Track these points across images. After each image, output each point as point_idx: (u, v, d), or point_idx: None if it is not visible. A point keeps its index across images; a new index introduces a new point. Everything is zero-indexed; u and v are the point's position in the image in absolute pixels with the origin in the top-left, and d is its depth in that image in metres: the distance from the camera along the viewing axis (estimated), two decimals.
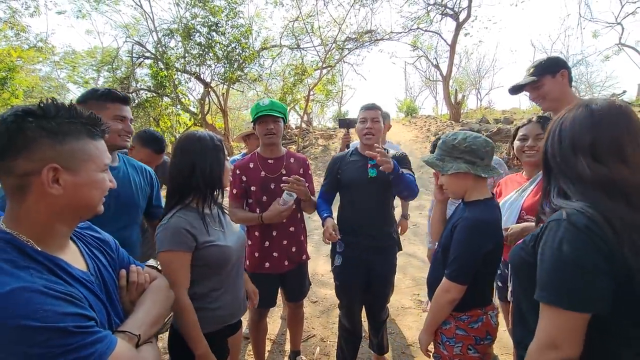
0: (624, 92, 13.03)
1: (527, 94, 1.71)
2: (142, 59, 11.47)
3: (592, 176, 0.80)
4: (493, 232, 1.26)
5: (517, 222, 1.58)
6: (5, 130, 0.66)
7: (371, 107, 1.94)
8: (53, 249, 0.72)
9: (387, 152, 1.74)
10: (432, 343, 1.46)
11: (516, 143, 1.77)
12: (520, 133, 1.75)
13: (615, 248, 0.72)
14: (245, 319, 1.95)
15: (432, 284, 1.41)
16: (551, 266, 0.78)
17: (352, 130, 2.37)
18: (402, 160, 1.95)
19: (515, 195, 1.69)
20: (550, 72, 1.60)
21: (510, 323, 1.62)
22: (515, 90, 1.73)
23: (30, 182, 0.68)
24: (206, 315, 1.21)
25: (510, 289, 1.58)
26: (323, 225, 1.87)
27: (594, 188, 0.79)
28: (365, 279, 1.95)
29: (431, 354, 1.45)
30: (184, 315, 1.14)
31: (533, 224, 1.44)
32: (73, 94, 14.82)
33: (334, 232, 1.78)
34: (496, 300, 1.82)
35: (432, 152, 1.59)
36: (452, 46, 12.86)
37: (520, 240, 0.97)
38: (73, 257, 0.78)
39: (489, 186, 1.63)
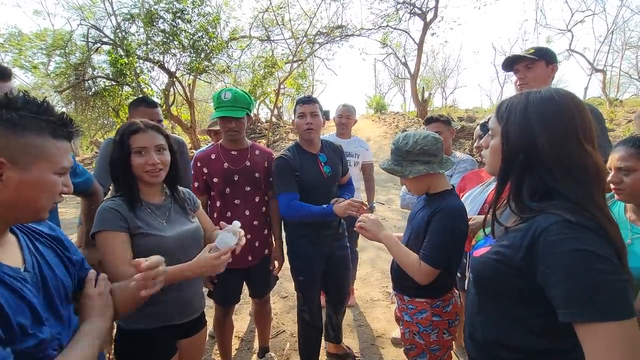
0: None
1: (513, 75, 1.76)
2: (99, 45, 10.70)
3: (582, 164, 0.74)
4: (465, 218, 1.33)
5: (478, 214, 1.64)
6: None
7: (309, 101, 1.87)
8: None
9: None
10: (401, 333, 1.49)
11: (475, 141, 1.86)
12: (475, 132, 1.85)
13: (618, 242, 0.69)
14: (210, 317, 1.88)
15: (397, 273, 1.45)
16: (577, 274, 0.66)
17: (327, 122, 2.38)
18: (344, 155, 2.07)
19: (479, 189, 1.75)
20: (546, 60, 1.67)
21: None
22: (509, 63, 1.76)
23: None
24: (143, 310, 1.09)
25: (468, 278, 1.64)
26: (337, 212, 1.69)
27: (583, 179, 0.75)
28: (325, 268, 1.97)
29: (403, 346, 1.48)
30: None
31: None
32: (19, 79, 13.54)
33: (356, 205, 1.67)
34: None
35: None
36: (420, 45, 13.22)
37: (486, 249, 0.87)
38: (4, 251, 0.72)
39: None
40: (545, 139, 0.76)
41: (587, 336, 0.66)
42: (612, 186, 1.23)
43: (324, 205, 1.75)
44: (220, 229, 1.25)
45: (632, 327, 0.64)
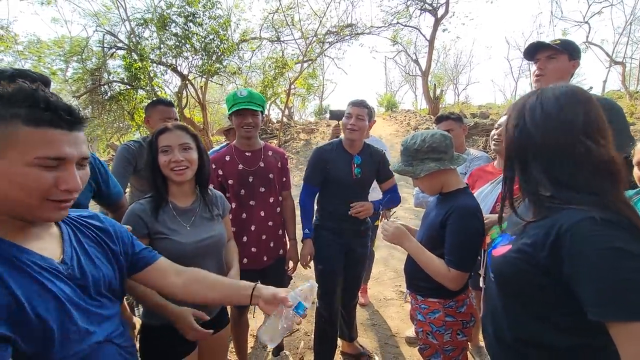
0: (591, 88, 13.62)
1: (533, 65, 1.68)
2: (114, 50, 10.93)
3: (593, 158, 0.74)
4: (481, 217, 1.31)
5: (490, 213, 1.62)
6: None
7: (359, 104, 1.93)
8: (6, 233, 0.69)
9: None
10: (416, 333, 1.48)
11: (492, 132, 1.80)
12: (497, 123, 1.79)
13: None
14: None
15: (411, 273, 1.45)
16: (609, 272, 0.65)
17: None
18: (384, 161, 2.05)
19: (489, 187, 1.72)
20: (570, 54, 1.61)
21: (482, 309, 1.67)
22: (532, 51, 1.67)
23: None
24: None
25: (482, 275, 1.62)
26: (302, 240, 1.99)
27: (596, 173, 0.74)
28: (344, 262, 2.02)
29: (418, 345, 1.48)
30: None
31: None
32: None
33: (308, 260, 1.98)
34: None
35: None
36: (431, 41, 13.06)
37: (507, 247, 0.85)
38: (42, 242, 0.73)
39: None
40: (546, 133, 0.77)
41: (620, 335, 0.65)
42: (638, 182, 1.19)
43: (307, 231, 1.98)
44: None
45: None
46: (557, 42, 1.62)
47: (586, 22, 14.17)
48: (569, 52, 1.60)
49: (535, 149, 0.79)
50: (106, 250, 0.87)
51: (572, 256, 0.68)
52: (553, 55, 1.61)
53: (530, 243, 0.77)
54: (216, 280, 1.04)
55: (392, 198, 2.05)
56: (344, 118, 1.95)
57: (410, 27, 13.79)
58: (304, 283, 1.04)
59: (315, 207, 2.09)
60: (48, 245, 0.75)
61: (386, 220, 1.49)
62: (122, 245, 0.91)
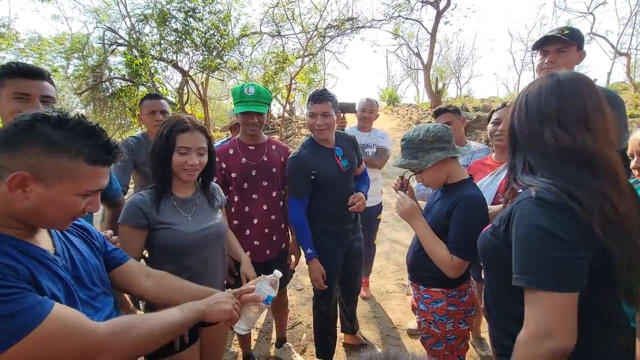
0: (595, 80, 13.47)
1: (537, 54, 1.63)
2: (114, 46, 10.92)
3: (558, 146, 0.78)
4: (486, 208, 1.33)
5: (492, 205, 1.62)
6: (15, 125, 0.70)
7: (319, 100, 1.78)
8: (6, 230, 0.74)
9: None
10: (418, 323, 1.50)
11: (489, 126, 1.80)
12: (494, 117, 1.79)
13: (588, 219, 0.71)
14: None
15: (413, 263, 1.47)
16: (529, 246, 0.74)
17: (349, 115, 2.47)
18: (357, 143, 2.07)
19: (489, 179, 1.73)
20: (579, 44, 1.58)
21: (483, 301, 1.69)
22: (541, 44, 1.62)
23: (4, 176, 0.69)
24: None
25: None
26: (307, 262, 1.86)
27: (560, 161, 0.78)
28: (343, 260, 2.02)
29: (419, 336, 1.50)
30: None
31: (499, 206, 1.49)
32: None
33: (322, 282, 1.86)
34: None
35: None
36: (433, 34, 12.93)
37: (487, 227, 0.94)
38: (37, 237, 0.79)
39: None
40: (523, 119, 0.85)
41: (526, 299, 0.75)
42: (635, 172, 1.20)
43: (310, 251, 1.84)
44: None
45: (566, 299, 0.71)
46: (566, 32, 1.58)
47: (590, 13, 13.97)
48: (577, 42, 1.57)
49: (517, 138, 0.87)
50: (90, 244, 0.92)
51: (512, 229, 0.79)
52: (563, 49, 1.57)
53: (498, 219, 0.87)
54: (184, 285, 1.10)
55: (365, 181, 2.10)
56: (309, 117, 1.85)
57: (412, 19, 13.65)
58: (268, 275, 1.13)
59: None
60: (41, 240, 0.80)
61: (403, 193, 1.48)
62: (98, 242, 0.96)
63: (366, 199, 1.98)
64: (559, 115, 0.80)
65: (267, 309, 2.79)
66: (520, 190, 0.86)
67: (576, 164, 0.77)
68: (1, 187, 0.70)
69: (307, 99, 1.95)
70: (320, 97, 1.78)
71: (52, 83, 1.32)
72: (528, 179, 0.81)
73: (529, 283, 0.74)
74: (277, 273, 1.13)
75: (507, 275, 0.79)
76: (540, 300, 0.72)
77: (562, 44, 1.57)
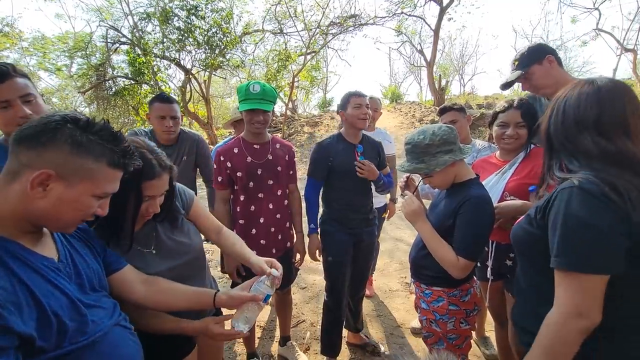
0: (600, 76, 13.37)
1: (521, 84, 1.72)
2: (117, 45, 10.95)
3: (598, 152, 0.83)
4: (492, 208, 1.32)
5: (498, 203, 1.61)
6: (46, 123, 0.71)
7: (365, 95, 1.98)
8: (14, 233, 0.73)
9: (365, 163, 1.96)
10: (420, 321, 1.50)
11: (495, 129, 1.76)
12: (499, 119, 1.74)
13: (628, 210, 0.75)
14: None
15: (415, 261, 1.47)
16: (568, 231, 0.79)
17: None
18: (382, 150, 2.15)
19: (495, 178, 1.70)
20: (535, 60, 1.60)
21: (487, 300, 1.68)
22: (506, 86, 1.76)
23: (23, 173, 0.70)
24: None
25: (489, 267, 1.62)
26: (309, 235, 2.01)
27: (603, 163, 0.82)
28: (353, 253, 2.05)
29: (421, 334, 1.49)
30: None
31: (518, 201, 1.47)
32: (45, 82, 14.09)
33: (317, 255, 2.01)
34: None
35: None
36: (436, 31, 12.85)
37: (521, 218, 0.99)
38: (41, 243, 0.79)
39: None
40: (560, 127, 0.90)
41: (560, 280, 0.81)
42: None
43: (313, 226, 2.02)
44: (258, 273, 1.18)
45: (597, 281, 0.77)
46: (516, 63, 1.66)
47: (596, 9, 13.82)
48: (534, 61, 1.60)
49: (553, 142, 0.92)
50: (91, 247, 0.92)
51: (551, 215, 0.84)
52: (526, 76, 1.63)
53: (534, 208, 0.92)
54: (179, 289, 1.07)
55: (390, 177, 2.16)
56: (352, 109, 1.95)
57: (415, 16, 13.56)
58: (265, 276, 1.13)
59: (321, 202, 2.10)
60: (45, 245, 0.79)
61: (410, 193, 1.49)
62: (98, 246, 0.96)
63: (384, 191, 2.13)
64: (598, 123, 0.85)
65: (270, 308, 2.82)
66: (551, 182, 0.92)
67: (619, 166, 0.81)
68: (17, 186, 0.70)
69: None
70: (361, 92, 2.01)
71: (24, 76, 1.21)
72: (566, 174, 0.86)
73: (565, 265, 0.79)
74: (273, 272, 1.14)
75: (544, 262, 0.84)
76: (573, 281, 0.78)
77: (522, 77, 1.65)
